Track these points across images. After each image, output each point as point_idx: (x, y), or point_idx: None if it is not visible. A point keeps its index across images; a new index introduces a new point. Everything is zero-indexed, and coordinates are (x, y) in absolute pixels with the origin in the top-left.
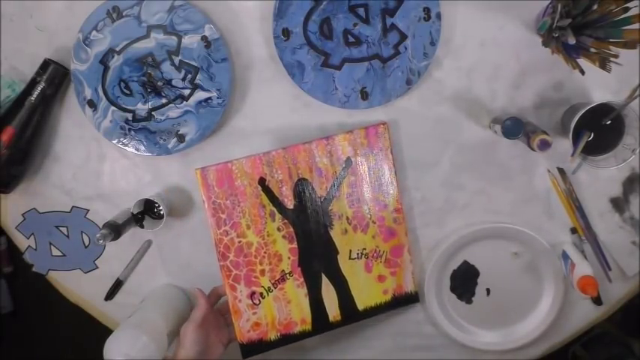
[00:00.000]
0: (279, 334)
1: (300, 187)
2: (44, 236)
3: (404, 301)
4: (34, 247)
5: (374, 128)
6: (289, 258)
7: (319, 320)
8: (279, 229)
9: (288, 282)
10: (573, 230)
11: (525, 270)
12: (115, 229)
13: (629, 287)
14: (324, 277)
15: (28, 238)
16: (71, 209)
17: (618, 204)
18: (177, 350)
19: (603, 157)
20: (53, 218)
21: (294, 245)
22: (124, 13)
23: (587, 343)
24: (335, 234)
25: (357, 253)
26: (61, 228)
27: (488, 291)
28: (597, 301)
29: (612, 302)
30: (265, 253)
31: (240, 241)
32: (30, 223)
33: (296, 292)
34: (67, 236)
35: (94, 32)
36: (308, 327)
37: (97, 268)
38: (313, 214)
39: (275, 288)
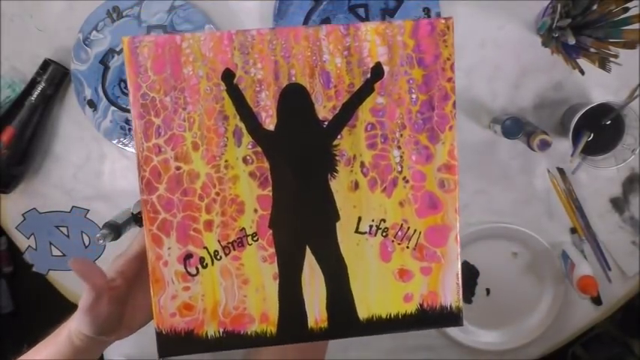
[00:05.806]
0: (221, 330)
1: (291, 99)
2: (44, 236)
3: (436, 318)
4: (34, 247)
5: (429, 23)
6: (256, 211)
7: (291, 321)
8: (245, 161)
9: (249, 250)
10: (573, 230)
11: (525, 270)
12: (115, 229)
13: (628, 287)
14: (308, 252)
15: (28, 238)
16: (71, 209)
17: (618, 204)
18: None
19: (603, 157)
20: (53, 218)
21: (268, 192)
22: (124, 14)
23: (587, 343)
24: (338, 187)
25: (371, 226)
26: (61, 228)
27: (488, 291)
28: (597, 301)
29: (612, 302)
30: (218, 195)
31: (179, 168)
32: (30, 223)
33: (259, 268)
34: (67, 236)
35: (94, 32)
36: (271, 328)
37: None
38: (306, 147)
39: (226, 255)
